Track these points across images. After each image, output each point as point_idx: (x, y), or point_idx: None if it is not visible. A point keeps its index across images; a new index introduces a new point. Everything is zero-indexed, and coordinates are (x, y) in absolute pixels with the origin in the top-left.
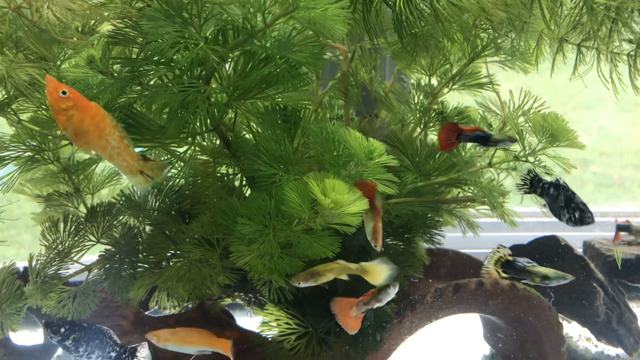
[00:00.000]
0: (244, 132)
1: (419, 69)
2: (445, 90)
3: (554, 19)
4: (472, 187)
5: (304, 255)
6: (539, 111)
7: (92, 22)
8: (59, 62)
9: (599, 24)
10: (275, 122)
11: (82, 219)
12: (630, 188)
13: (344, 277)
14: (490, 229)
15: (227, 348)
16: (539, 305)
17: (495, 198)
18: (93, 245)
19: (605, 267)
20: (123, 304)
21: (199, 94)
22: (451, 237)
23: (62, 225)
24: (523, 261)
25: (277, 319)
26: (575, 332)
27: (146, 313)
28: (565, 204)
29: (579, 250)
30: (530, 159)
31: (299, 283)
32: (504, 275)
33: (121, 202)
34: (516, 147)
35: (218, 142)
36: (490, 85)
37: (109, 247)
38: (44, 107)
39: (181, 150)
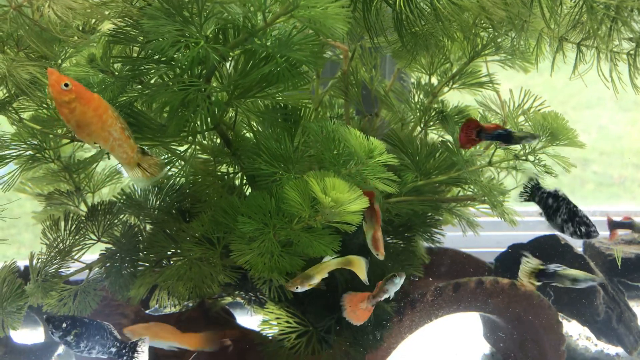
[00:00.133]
0: (245, 131)
1: (419, 68)
2: (446, 89)
3: (554, 18)
4: (472, 186)
5: (304, 253)
6: (539, 110)
7: (93, 20)
8: (60, 61)
9: (599, 22)
10: (275, 120)
11: (83, 218)
12: (630, 187)
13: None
14: (490, 227)
15: (192, 344)
16: (538, 304)
17: (495, 197)
18: (94, 243)
19: (605, 266)
20: (124, 303)
21: (199, 92)
22: (451, 236)
23: (62, 223)
24: (553, 267)
25: (277, 318)
26: (575, 331)
27: (147, 312)
28: (569, 217)
29: (579, 249)
30: (530, 157)
31: (297, 288)
32: (537, 283)
33: (122, 201)
34: (516, 146)
35: (218, 140)
36: (491, 84)
37: (109, 245)
38: (45, 105)
39: (182, 148)
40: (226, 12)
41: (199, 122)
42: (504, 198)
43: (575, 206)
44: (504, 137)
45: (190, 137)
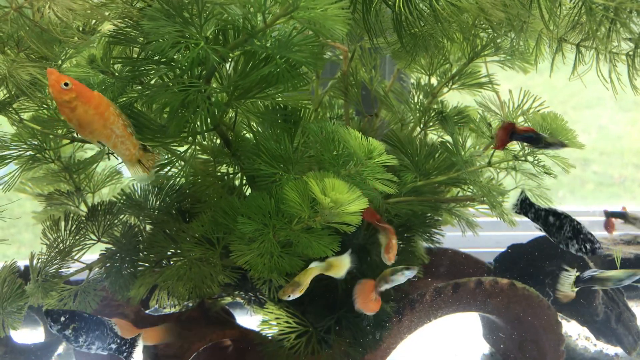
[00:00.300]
0: (244, 132)
1: (418, 69)
2: (445, 89)
3: (553, 20)
4: (471, 187)
5: (304, 254)
6: (539, 111)
7: (93, 21)
8: (60, 62)
9: (598, 24)
10: (275, 121)
11: (83, 218)
12: (630, 187)
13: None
14: (489, 228)
15: (148, 339)
16: (538, 305)
17: (495, 197)
18: (94, 244)
19: (604, 266)
20: (124, 303)
21: (199, 93)
22: (450, 236)
23: (63, 224)
24: (589, 272)
25: (277, 318)
26: (574, 331)
27: (147, 312)
28: (573, 234)
29: None
30: (530, 158)
31: (289, 296)
32: (576, 290)
33: (122, 201)
34: (515, 147)
35: (218, 141)
36: (490, 85)
37: (109, 245)
38: (45, 106)
39: (182, 149)
40: (226, 14)
41: (199, 123)
42: (503, 198)
43: (578, 223)
44: (534, 140)
45: (190, 138)
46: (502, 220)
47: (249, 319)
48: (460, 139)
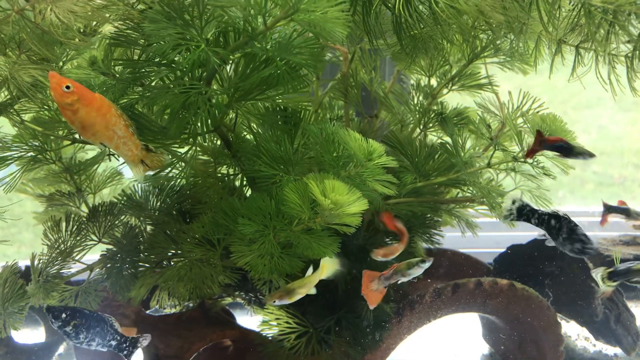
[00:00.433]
0: (245, 133)
1: (418, 70)
2: (445, 91)
3: (552, 22)
4: (471, 188)
5: (304, 255)
6: (538, 112)
7: (94, 23)
8: (61, 63)
9: (597, 26)
10: (275, 123)
11: (84, 219)
12: (630, 187)
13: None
14: (489, 228)
15: None
16: (537, 305)
17: (494, 198)
18: (95, 244)
19: (603, 267)
20: (124, 303)
21: (200, 95)
22: (450, 237)
23: (64, 224)
24: (623, 266)
25: (277, 318)
26: (573, 331)
27: (147, 312)
28: (568, 235)
29: None
30: (529, 159)
31: (274, 301)
32: (614, 284)
33: (123, 202)
34: (515, 148)
35: (219, 142)
36: (490, 86)
37: (110, 246)
38: (46, 107)
39: (182, 150)
40: (227, 16)
41: (199, 125)
42: (503, 199)
43: (576, 225)
44: (564, 149)
45: (190, 139)
46: (501, 221)
47: (249, 320)
48: (460, 140)
